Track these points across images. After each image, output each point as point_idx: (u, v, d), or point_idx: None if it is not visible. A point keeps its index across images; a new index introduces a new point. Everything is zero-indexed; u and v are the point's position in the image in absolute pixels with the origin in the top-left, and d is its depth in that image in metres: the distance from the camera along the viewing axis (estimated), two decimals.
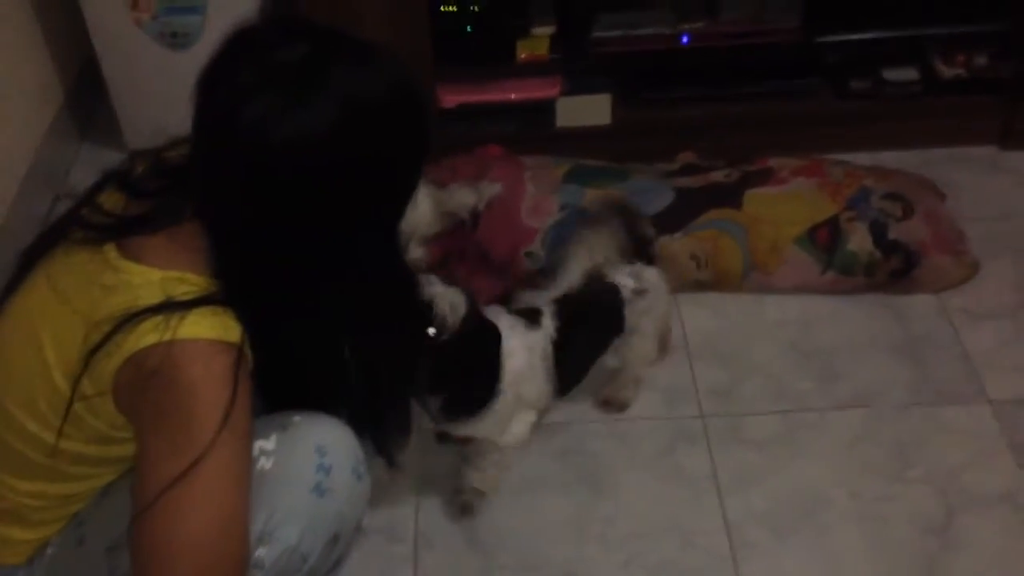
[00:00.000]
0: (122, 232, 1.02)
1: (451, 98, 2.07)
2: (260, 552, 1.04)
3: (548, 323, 1.45)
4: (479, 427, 1.40)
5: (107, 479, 1.10)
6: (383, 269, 1.07)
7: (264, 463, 1.05)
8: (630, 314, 1.54)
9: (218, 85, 0.96)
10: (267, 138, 0.93)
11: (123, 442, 1.02)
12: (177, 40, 2.01)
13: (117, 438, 1.02)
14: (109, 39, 2.04)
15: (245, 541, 0.98)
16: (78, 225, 1.06)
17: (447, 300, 1.30)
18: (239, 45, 0.97)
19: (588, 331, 1.52)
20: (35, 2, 2.07)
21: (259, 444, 1.06)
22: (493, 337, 1.38)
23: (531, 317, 1.45)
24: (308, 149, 0.94)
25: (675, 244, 1.86)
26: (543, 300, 1.49)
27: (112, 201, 1.08)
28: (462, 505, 1.53)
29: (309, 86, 0.94)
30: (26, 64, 2.07)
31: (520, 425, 1.45)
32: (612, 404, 1.67)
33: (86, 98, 2.24)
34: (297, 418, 1.10)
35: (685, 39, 2.06)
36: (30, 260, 1.10)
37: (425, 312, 1.28)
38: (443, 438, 1.59)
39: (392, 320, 1.13)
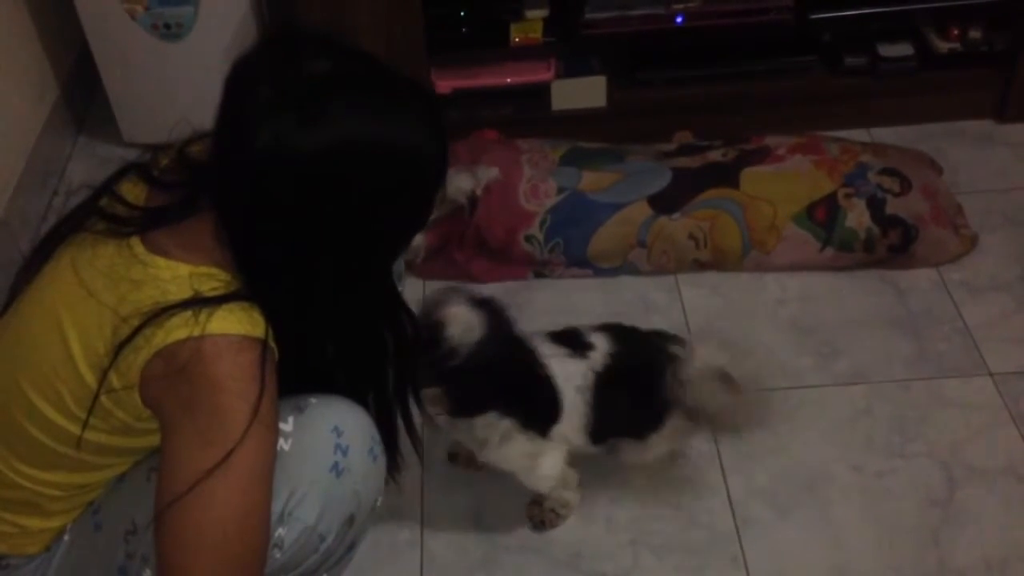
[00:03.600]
0: (145, 224, 1.03)
1: (445, 83, 2.06)
2: (279, 532, 1.06)
3: (596, 356, 1.38)
4: (504, 459, 1.37)
5: (124, 469, 1.12)
6: (364, 295, 1.07)
7: (282, 444, 1.06)
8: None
9: (237, 86, 0.97)
10: (262, 145, 0.93)
11: (146, 433, 1.03)
12: (170, 31, 2.01)
13: (141, 429, 1.03)
14: (102, 31, 2.03)
15: (267, 529, 0.99)
16: (100, 215, 1.06)
17: (460, 322, 1.24)
18: (269, 49, 0.98)
19: (638, 381, 1.41)
20: None
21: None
22: (525, 357, 1.31)
23: (577, 345, 1.38)
24: (291, 166, 0.94)
25: (673, 224, 1.86)
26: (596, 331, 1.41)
27: (133, 192, 1.09)
28: (539, 520, 1.50)
29: (315, 107, 0.94)
30: (20, 59, 2.07)
31: (548, 464, 1.39)
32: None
33: (81, 91, 2.24)
34: (313, 400, 1.11)
35: (679, 19, 2.06)
36: (48, 247, 1.10)
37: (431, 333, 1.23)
38: (453, 458, 1.57)
39: (374, 336, 1.13)
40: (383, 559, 1.47)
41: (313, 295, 1.02)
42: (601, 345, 1.40)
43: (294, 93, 0.94)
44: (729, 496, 1.54)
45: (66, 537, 1.13)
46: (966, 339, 1.75)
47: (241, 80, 0.97)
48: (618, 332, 1.44)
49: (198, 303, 0.97)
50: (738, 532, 1.49)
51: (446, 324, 1.24)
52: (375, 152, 0.97)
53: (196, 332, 0.95)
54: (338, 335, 1.09)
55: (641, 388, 1.41)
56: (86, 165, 2.18)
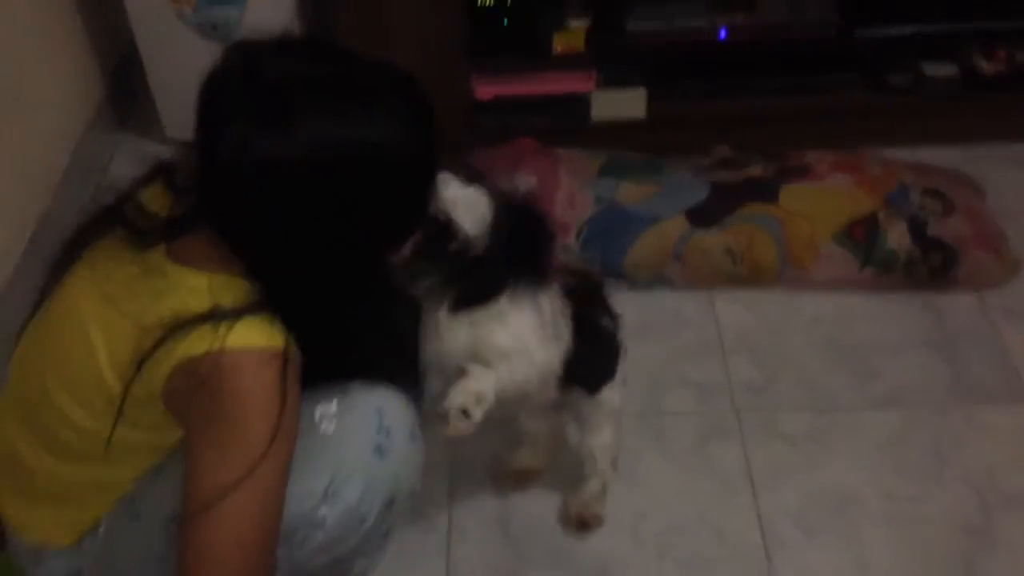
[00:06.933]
0: (167, 234, 1.04)
1: (486, 90, 2.07)
2: (323, 511, 1.07)
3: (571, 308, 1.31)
4: (513, 334, 1.20)
5: (157, 460, 1.12)
6: (365, 289, 1.06)
7: (326, 427, 1.08)
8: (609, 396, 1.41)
9: (202, 97, 0.97)
10: (226, 154, 0.94)
11: (174, 428, 1.04)
12: (217, 32, 2.03)
13: (169, 426, 1.04)
14: (150, 30, 2.06)
15: (278, 534, 1.00)
16: (123, 225, 1.07)
17: (466, 206, 1.13)
18: (230, 58, 0.98)
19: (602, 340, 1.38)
20: None
21: (320, 409, 1.09)
22: (538, 221, 1.21)
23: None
24: (258, 173, 0.94)
25: (710, 238, 1.85)
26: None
27: (159, 200, 1.09)
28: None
29: (275, 112, 0.93)
30: (68, 55, 2.09)
31: (522, 363, 1.22)
32: (586, 521, 1.50)
33: (127, 89, 2.27)
34: (356, 383, 1.13)
35: (722, 32, 2.05)
36: (75, 249, 1.11)
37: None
38: (498, 478, 1.55)
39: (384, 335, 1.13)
40: (409, 565, 1.47)
41: (319, 296, 1.02)
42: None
43: (253, 100, 0.94)
44: (759, 515, 1.52)
45: (102, 528, 1.14)
46: (1006, 365, 1.72)
47: (205, 91, 0.97)
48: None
49: (218, 316, 0.97)
50: (767, 551, 1.48)
51: (452, 212, 1.13)
52: (344, 155, 0.95)
53: (216, 346, 0.95)
54: (352, 329, 1.08)
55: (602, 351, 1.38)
56: (130, 162, 2.20)
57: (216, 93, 0.96)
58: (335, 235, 0.99)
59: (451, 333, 1.20)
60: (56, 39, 2.05)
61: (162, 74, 2.12)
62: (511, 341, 1.20)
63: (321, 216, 0.97)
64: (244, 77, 0.95)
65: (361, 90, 0.98)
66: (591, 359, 1.35)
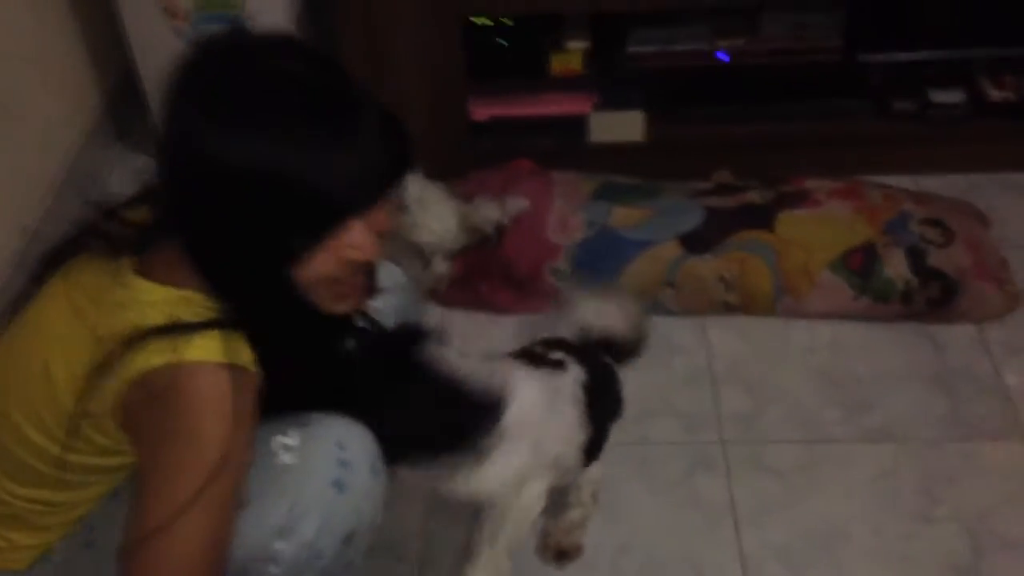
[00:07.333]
0: (137, 245, 1.03)
1: (483, 111, 2.05)
2: (279, 546, 1.05)
3: (575, 368, 1.31)
4: (484, 480, 1.20)
5: (113, 485, 1.11)
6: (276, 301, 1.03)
7: (284, 457, 1.06)
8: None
9: (175, 80, 0.97)
10: (170, 146, 0.96)
11: (129, 453, 1.02)
12: None
13: (123, 450, 1.03)
14: (147, 46, 2.06)
15: (228, 551, 0.98)
16: (99, 236, 1.06)
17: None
18: (217, 46, 0.98)
19: (609, 390, 1.40)
20: (75, 9, 2.11)
21: (279, 440, 1.07)
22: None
23: (549, 363, 1.33)
24: (195, 172, 0.95)
25: (703, 265, 1.82)
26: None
27: (140, 212, 1.08)
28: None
29: (224, 115, 0.93)
30: (65, 70, 2.10)
31: (533, 490, 1.25)
32: (565, 551, 1.46)
33: (124, 104, 2.27)
34: (316, 415, 1.11)
35: (723, 56, 2.02)
36: (49, 265, 1.11)
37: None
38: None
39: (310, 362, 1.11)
40: None
41: (264, 311, 1.00)
42: (567, 359, 1.34)
43: (219, 93, 0.93)
44: (742, 551, 1.48)
45: (56, 555, 1.12)
46: (1004, 401, 1.68)
47: (177, 74, 0.96)
48: (568, 347, 1.39)
49: (175, 329, 0.96)
50: None
51: None
52: (287, 174, 0.93)
53: (172, 359, 0.94)
54: (312, 349, 1.07)
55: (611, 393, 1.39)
56: (126, 175, 2.20)
57: (184, 79, 0.96)
58: (257, 246, 0.97)
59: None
60: (54, 54, 2.06)
61: (159, 90, 2.12)
62: (496, 487, 1.20)
63: (251, 226, 0.96)
64: (222, 66, 0.95)
65: (334, 111, 0.96)
66: (605, 419, 1.37)
